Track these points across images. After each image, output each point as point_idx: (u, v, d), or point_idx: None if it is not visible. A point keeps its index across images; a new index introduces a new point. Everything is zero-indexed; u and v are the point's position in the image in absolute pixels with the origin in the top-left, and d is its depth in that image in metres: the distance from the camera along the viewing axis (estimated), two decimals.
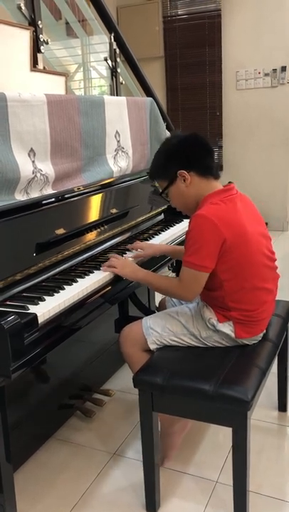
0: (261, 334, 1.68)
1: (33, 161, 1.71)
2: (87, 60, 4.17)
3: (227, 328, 1.61)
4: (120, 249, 1.96)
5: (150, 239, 2.14)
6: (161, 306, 2.01)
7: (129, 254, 1.89)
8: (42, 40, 2.25)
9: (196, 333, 1.65)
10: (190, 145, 1.65)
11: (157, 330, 1.69)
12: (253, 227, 1.58)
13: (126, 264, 1.72)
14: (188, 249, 1.54)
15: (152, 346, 1.69)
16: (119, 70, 3.03)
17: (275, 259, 1.70)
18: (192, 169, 1.62)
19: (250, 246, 1.56)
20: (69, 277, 1.63)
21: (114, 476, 1.78)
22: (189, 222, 1.56)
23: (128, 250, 1.93)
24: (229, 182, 1.68)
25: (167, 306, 1.95)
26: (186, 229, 2.30)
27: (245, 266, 1.56)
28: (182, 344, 1.68)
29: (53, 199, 1.82)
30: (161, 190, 1.72)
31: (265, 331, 1.70)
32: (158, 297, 2.11)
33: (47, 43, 2.30)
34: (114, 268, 1.69)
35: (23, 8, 2.19)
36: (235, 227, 1.53)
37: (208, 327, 1.64)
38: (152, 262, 1.95)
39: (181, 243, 2.22)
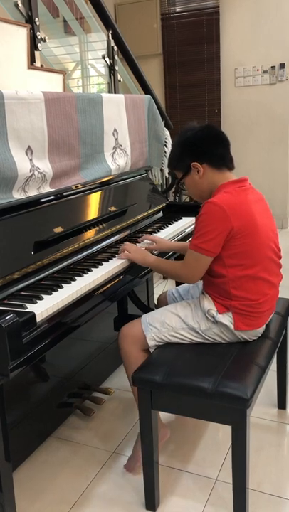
0: (261, 330, 1.68)
1: (31, 159, 1.71)
2: (85, 58, 4.15)
3: (226, 319, 1.62)
4: (130, 240, 2.00)
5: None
6: (161, 302, 2.02)
7: (141, 244, 1.97)
8: (39, 37, 2.24)
9: (196, 326, 1.66)
10: (203, 138, 1.68)
11: (156, 326, 1.69)
12: (263, 221, 1.63)
13: (137, 249, 1.81)
14: (196, 232, 1.59)
15: (151, 343, 1.69)
16: (117, 68, 3.02)
17: (281, 257, 1.72)
18: (205, 161, 1.67)
19: (259, 237, 1.59)
20: (67, 276, 1.62)
21: (113, 475, 1.78)
22: (201, 208, 1.61)
23: (137, 242, 1.99)
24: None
25: (168, 301, 1.96)
26: (185, 227, 2.33)
27: (250, 254, 1.59)
28: (181, 340, 1.68)
29: (51, 197, 1.81)
30: (178, 180, 1.78)
31: (264, 327, 1.70)
32: (157, 295, 2.11)
33: (44, 41, 2.29)
34: (127, 253, 1.77)
35: (20, 5, 2.18)
36: (245, 216, 1.57)
37: (208, 318, 1.64)
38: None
39: (180, 241, 2.22)
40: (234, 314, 1.61)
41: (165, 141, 2.71)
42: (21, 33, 2.04)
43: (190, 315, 1.68)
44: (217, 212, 1.54)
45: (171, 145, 1.82)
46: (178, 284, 2.21)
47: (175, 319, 1.69)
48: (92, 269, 1.69)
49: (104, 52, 2.99)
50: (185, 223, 2.36)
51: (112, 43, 2.97)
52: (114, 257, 1.80)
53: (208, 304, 1.65)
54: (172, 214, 2.48)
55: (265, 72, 4.82)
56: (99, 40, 3.45)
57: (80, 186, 1.96)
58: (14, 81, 2.02)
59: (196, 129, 1.70)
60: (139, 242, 1.99)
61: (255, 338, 1.68)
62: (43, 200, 1.77)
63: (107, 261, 1.77)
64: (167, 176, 3.05)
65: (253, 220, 1.58)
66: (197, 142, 1.68)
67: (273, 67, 4.78)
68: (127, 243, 1.85)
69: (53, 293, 1.48)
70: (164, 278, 3.57)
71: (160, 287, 3.37)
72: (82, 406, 2.06)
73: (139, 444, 1.68)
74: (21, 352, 1.26)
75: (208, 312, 1.64)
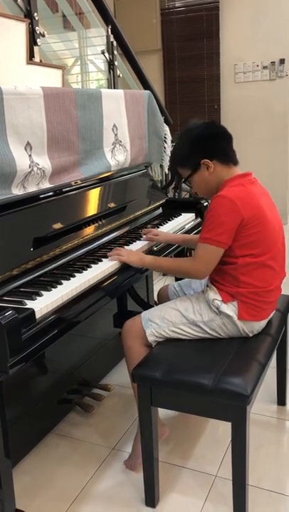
0: (263, 324, 1.69)
1: (30, 155, 1.70)
2: (85, 53, 4.14)
3: (231, 309, 1.62)
4: (127, 238, 1.99)
5: None
6: (161, 296, 2.02)
7: (137, 242, 1.95)
8: (38, 32, 2.22)
9: (197, 319, 1.66)
10: (211, 134, 1.71)
11: (156, 321, 1.69)
12: (271, 213, 1.66)
13: (131, 252, 1.79)
14: (207, 227, 1.60)
15: (151, 338, 1.68)
16: (116, 63, 3.00)
17: (284, 253, 1.73)
18: (214, 157, 1.69)
19: (269, 226, 1.62)
20: (67, 272, 1.62)
21: (113, 471, 1.78)
22: (210, 203, 1.63)
23: (137, 239, 1.99)
24: None
25: (169, 294, 1.96)
26: (185, 223, 2.32)
27: (261, 243, 1.61)
28: (182, 335, 1.68)
29: (50, 193, 1.81)
30: (184, 178, 1.79)
31: (266, 322, 1.70)
32: (156, 292, 2.11)
33: (43, 36, 2.27)
34: (121, 256, 1.73)
35: (18, 0, 2.16)
36: (254, 206, 1.60)
37: (211, 309, 1.65)
38: (158, 253, 1.97)
39: None
40: (239, 303, 1.62)
41: (165, 137, 2.70)
42: (20, 28, 2.03)
43: (191, 308, 1.68)
44: (227, 205, 1.57)
45: (177, 143, 1.81)
46: (177, 279, 2.21)
47: (175, 314, 1.69)
48: (92, 265, 1.68)
49: (104, 47, 2.98)
50: (185, 219, 2.36)
51: (112, 39, 2.95)
52: None
53: (214, 294, 1.65)
54: (172, 210, 2.47)
55: (264, 67, 4.81)
56: (98, 36, 3.44)
57: (79, 182, 1.96)
58: (13, 76, 2.01)
59: (202, 127, 1.72)
60: (142, 237, 2.00)
61: (256, 332, 1.68)
62: (42, 196, 1.77)
63: (107, 257, 1.76)
64: (167, 172, 3.04)
65: (262, 211, 1.61)
66: (205, 139, 1.70)
67: (273, 63, 4.76)
68: (116, 248, 1.79)
69: (53, 289, 1.48)
70: (164, 274, 3.56)
71: (160, 283, 3.36)
72: (82, 402, 2.06)
73: (138, 442, 1.68)
74: (21, 348, 1.26)
75: (212, 302, 1.64)
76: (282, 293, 1.79)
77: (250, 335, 1.67)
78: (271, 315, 1.74)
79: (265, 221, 1.61)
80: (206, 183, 1.73)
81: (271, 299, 1.68)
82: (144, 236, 2.00)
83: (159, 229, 2.17)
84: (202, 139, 1.70)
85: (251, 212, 1.57)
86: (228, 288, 1.64)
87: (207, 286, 1.72)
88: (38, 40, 2.22)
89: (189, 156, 1.72)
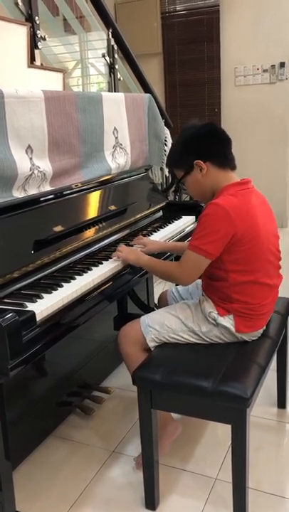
0: (261, 330, 1.68)
1: (31, 158, 1.71)
2: (85, 57, 4.15)
3: (227, 322, 1.61)
4: (127, 241, 1.98)
5: (149, 236, 2.13)
6: (162, 301, 2.01)
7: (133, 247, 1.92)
8: (39, 36, 2.24)
9: (196, 328, 1.65)
10: (207, 135, 1.64)
11: (156, 327, 1.68)
12: (264, 224, 1.60)
13: (131, 251, 1.78)
14: (197, 233, 1.55)
15: (151, 344, 1.68)
16: (117, 67, 3.02)
17: (280, 258, 1.71)
18: (209, 159, 1.62)
19: (260, 242, 1.57)
20: (67, 275, 1.62)
21: (113, 474, 1.78)
22: (204, 209, 1.57)
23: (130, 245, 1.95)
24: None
25: (169, 300, 1.95)
26: (185, 226, 2.33)
27: (252, 260, 1.57)
28: (181, 341, 1.68)
29: (51, 196, 1.81)
30: (178, 179, 1.73)
31: (264, 327, 1.70)
32: (157, 294, 2.11)
33: (44, 39, 2.28)
34: (120, 253, 1.75)
35: (20, 3, 2.18)
36: (248, 221, 1.54)
37: (209, 321, 1.63)
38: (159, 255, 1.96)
39: (180, 240, 2.22)
40: (235, 317, 1.60)
41: (165, 140, 2.71)
42: (21, 32, 2.04)
43: (190, 317, 1.67)
44: (221, 215, 1.50)
45: (172, 143, 1.78)
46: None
47: (175, 321, 1.68)
48: (92, 268, 1.69)
49: (104, 50, 2.99)
50: (185, 222, 2.36)
51: (112, 42, 2.96)
52: None
53: (210, 306, 1.64)
54: (172, 213, 2.47)
55: (265, 71, 4.82)
56: (99, 39, 3.45)
57: (80, 185, 1.96)
58: (14, 79, 2.02)
59: (199, 126, 1.66)
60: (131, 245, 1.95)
61: (255, 338, 1.68)
62: (43, 198, 1.77)
63: (107, 260, 1.77)
64: (167, 174, 3.05)
65: (255, 226, 1.55)
66: (200, 139, 1.63)
67: (273, 66, 4.77)
68: (121, 245, 1.82)
69: (53, 292, 1.48)
70: None
71: (160, 286, 3.36)
72: (82, 405, 2.06)
73: None
74: (21, 351, 1.26)
75: (209, 315, 1.63)
76: (282, 295, 1.79)
77: (250, 340, 1.67)
78: (269, 318, 1.74)
79: (257, 237, 1.55)
80: (200, 186, 1.66)
81: (267, 309, 1.66)
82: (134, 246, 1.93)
83: (158, 232, 2.17)
84: (196, 139, 1.63)
85: (245, 226, 1.51)
86: (222, 304, 1.62)
87: (203, 295, 1.71)
88: (39, 43, 2.23)
89: (182, 156, 1.66)
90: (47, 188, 1.81)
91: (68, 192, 1.89)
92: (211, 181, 1.64)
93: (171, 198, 3.53)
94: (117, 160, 2.26)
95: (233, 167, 1.66)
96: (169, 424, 1.77)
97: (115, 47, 2.99)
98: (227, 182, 1.62)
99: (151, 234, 2.15)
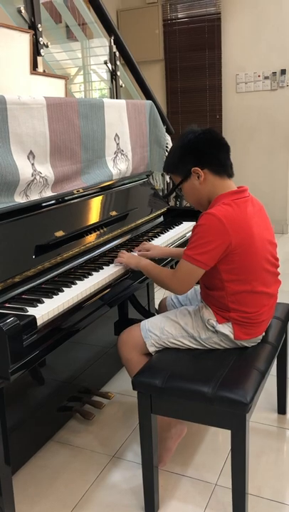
0: (260, 336, 1.68)
1: (33, 164, 1.72)
2: (87, 64, 4.18)
3: (226, 329, 1.61)
4: (128, 247, 2.00)
5: (150, 241, 2.14)
6: (162, 308, 2.02)
7: (135, 253, 1.93)
8: (42, 43, 2.26)
9: (196, 334, 1.66)
10: (205, 142, 1.62)
11: (156, 333, 1.69)
12: (260, 233, 1.59)
13: (132, 256, 1.80)
14: (192, 243, 1.54)
15: (151, 349, 1.69)
16: (119, 73, 3.04)
17: (278, 266, 1.70)
18: (206, 166, 1.61)
19: (255, 251, 1.56)
20: (68, 280, 1.63)
21: (113, 479, 1.78)
22: (199, 218, 1.56)
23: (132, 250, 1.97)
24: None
25: (168, 307, 1.96)
26: (186, 231, 2.34)
27: (247, 269, 1.56)
28: (181, 347, 1.68)
29: (53, 201, 1.82)
30: (175, 185, 1.72)
31: (264, 333, 1.70)
32: (158, 300, 2.11)
33: (47, 46, 2.30)
34: (121, 258, 1.77)
35: (23, 11, 2.20)
36: (244, 231, 1.53)
37: (208, 328, 1.64)
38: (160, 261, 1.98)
39: (180, 245, 2.22)
40: (234, 325, 1.61)
41: (166, 146, 2.73)
42: (24, 39, 2.06)
43: (190, 323, 1.68)
44: (216, 225, 1.49)
45: (170, 149, 1.75)
46: None
47: (175, 327, 1.69)
48: (93, 273, 1.70)
49: (106, 57, 3.01)
50: (185, 228, 2.37)
51: (114, 49, 2.98)
52: None
53: (208, 314, 1.64)
54: (173, 219, 2.48)
55: (266, 78, 4.85)
56: (101, 46, 3.48)
57: (81, 191, 1.97)
58: (17, 86, 2.04)
59: (198, 132, 1.64)
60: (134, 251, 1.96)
61: (254, 344, 1.68)
62: (44, 204, 1.78)
63: (108, 265, 1.77)
64: (168, 180, 3.06)
65: (250, 236, 1.54)
66: (199, 146, 1.61)
67: (274, 73, 4.80)
68: (122, 251, 1.84)
69: (54, 296, 1.49)
70: None
71: (161, 292, 3.36)
72: (82, 410, 2.06)
73: (162, 439, 1.72)
74: (22, 355, 1.27)
75: (207, 322, 1.63)
76: (282, 301, 1.80)
77: (249, 346, 1.67)
78: (268, 324, 1.74)
79: (253, 246, 1.54)
80: (197, 193, 1.65)
81: (265, 317, 1.66)
82: (138, 252, 1.93)
83: (159, 237, 2.18)
84: (194, 146, 1.61)
85: (239, 237, 1.50)
86: (220, 312, 1.62)
87: (202, 302, 1.71)
88: (41, 50, 2.25)
89: (179, 163, 1.65)
90: (48, 193, 1.83)
91: (70, 197, 1.91)
92: (208, 189, 1.63)
93: (172, 203, 3.54)
94: (118, 166, 2.27)
95: (230, 174, 1.65)
96: (174, 425, 1.77)
97: (117, 54, 3.01)
98: (223, 190, 1.61)
99: (152, 239, 2.16)
